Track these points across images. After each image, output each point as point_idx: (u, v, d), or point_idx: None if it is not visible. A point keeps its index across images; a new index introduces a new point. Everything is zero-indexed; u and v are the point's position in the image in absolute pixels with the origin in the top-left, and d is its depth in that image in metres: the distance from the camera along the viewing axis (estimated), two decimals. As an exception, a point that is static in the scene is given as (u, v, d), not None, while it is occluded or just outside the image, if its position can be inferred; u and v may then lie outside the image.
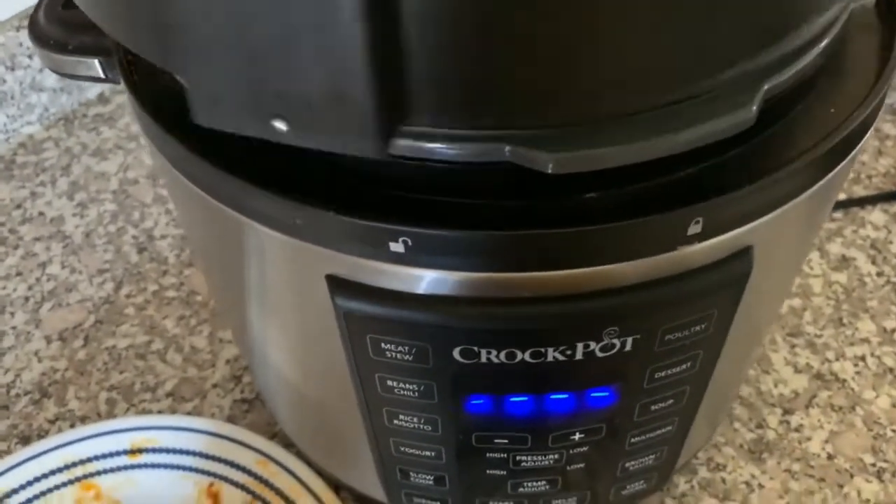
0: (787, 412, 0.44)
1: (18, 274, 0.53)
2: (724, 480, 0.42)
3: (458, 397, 0.26)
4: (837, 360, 0.47)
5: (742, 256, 0.23)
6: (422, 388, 0.26)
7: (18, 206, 0.57)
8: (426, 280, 0.23)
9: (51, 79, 0.61)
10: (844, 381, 0.46)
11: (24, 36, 0.58)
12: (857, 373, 0.46)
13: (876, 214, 0.54)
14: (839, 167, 0.24)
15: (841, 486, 0.41)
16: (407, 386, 0.26)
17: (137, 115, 0.26)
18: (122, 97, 0.66)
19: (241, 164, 0.23)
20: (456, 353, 0.24)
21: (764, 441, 0.43)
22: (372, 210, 0.21)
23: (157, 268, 0.53)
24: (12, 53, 0.58)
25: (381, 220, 0.21)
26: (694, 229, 0.22)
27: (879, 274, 0.51)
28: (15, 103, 0.60)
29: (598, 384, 0.26)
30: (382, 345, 0.24)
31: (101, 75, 0.29)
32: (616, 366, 0.25)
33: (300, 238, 0.23)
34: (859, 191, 0.56)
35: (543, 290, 0.22)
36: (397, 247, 0.22)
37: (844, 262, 0.52)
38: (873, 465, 0.42)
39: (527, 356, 0.24)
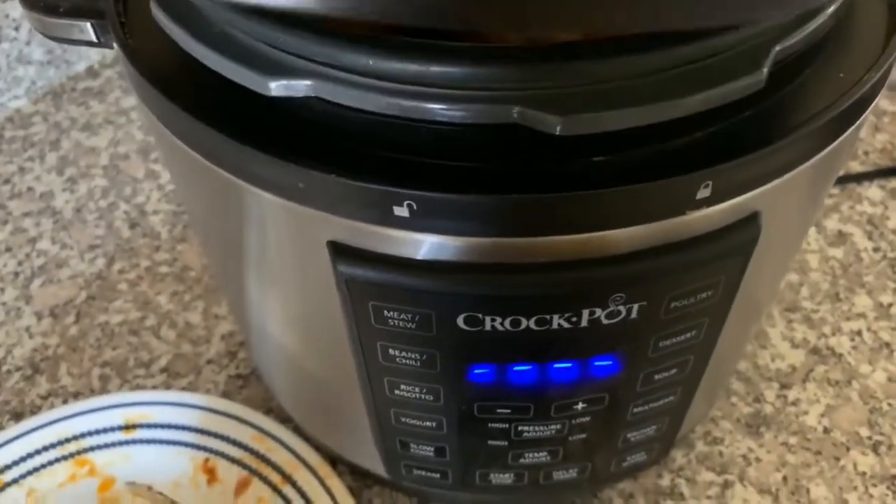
0: (783, 386, 0.45)
1: (8, 249, 0.52)
2: (721, 454, 0.42)
3: (461, 366, 0.25)
4: (834, 334, 0.47)
5: (750, 222, 0.23)
6: (424, 356, 0.25)
7: (7, 182, 0.56)
8: (430, 245, 0.22)
9: (38, 52, 0.60)
10: (841, 355, 0.46)
11: (10, 7, 0.57)
12: (854, 347, 0.46)
13: (873, 190, 0.54)
14: (848, 132, 0.24)
15: (837, 459, 0.42)
16: (409, 355, 0.25)
17: (133, 78, 0.25)
18: (111, 71, 0.65)
19: (241, 127, 0.23)
20: (460, 321, 0.24)
21: (761, 415, 0.43)
22: (376, 173, 0.21)
23: (150, 243, 0.52)
24: (-2, 25, 0.57)
25: (386, 184, 0.21)
26: (703, 193, 0.21)
27: (876, 249, 0.51)
28: (1, 77, 0.58)
29: (603, 352, 0.25)
30: (385, 312, 0.24)
31: (94, 39, 0.28)
32: (621, 334, 0.24)
33: (301, 203, 0.22)
34: (856, 167, 0.56)
35: (550, 255, 0.22)
36: (402, 211, 0.21)
37: (841, 237, 0.52)
38: (869, 438, 0.42)
39: (532, 323, 0.23)
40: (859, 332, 0.47)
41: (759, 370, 0.45)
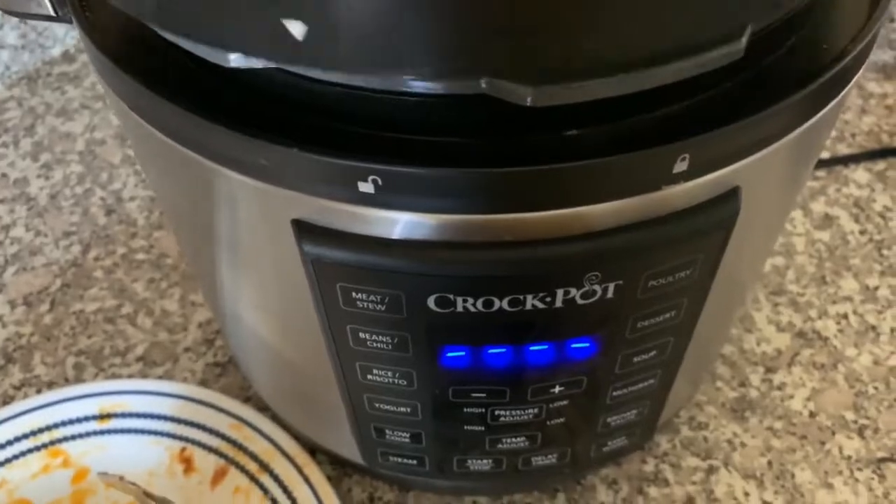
0: (769, 370, 0.44)
1: (-20, 237, 0.51)
2: (706, 439, 0.41)
3: (434, 349, 0.25)
4: (820, 318, 0.46)
5: (729, 198, 0.22)
6: (395, 340, 0.24)
7: (-20, 168, 0.55)
8: (398, 223, 0.21)
9: (12, 35, 0.59)
10: (827, 338, 0.45)
11: (-19, -11, 0.55)
12: (840, 331, 0.46)
13: (859, 173, 0.54)
14: (831, 105, 0.23)
15: (823, 444, 0.41)
16: (380, 338, 0.25)
17: (91, 54, 0.24)
18: (86, 56, 0.63)
19: (201, 101, 0.22)
20: (431, 302, 0.23)
21: (746, 399, 0.43)
22: (340, 148, 0.20)
23: (126, 230, 0.51)
24: (-31, 8, 0.55)
25: (350, 158, 0.20)
26: (680, 167, 0.21)
27: (862, 232, 0.50)
28: (-26, 61, 0.57)
29: (579, 334, 0.25)
30: (353, 294, 0.23)
31: (51, 12, 0.27)
32: (597, 314, 0.24)
33: (265, 180, 0.22)
34: (843, 149, 0.55)
35: (522, 233, 0.21)
36: (367, 186, 0.20)
37: (828, 220, 0.51)
38: (854, 422, 0.42)
39: (505, 304, 0.23)
40: (845, 316, 0.46)
41: (744, 354, 0.45)
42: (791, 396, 0.43)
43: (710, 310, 0.27)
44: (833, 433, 0.41)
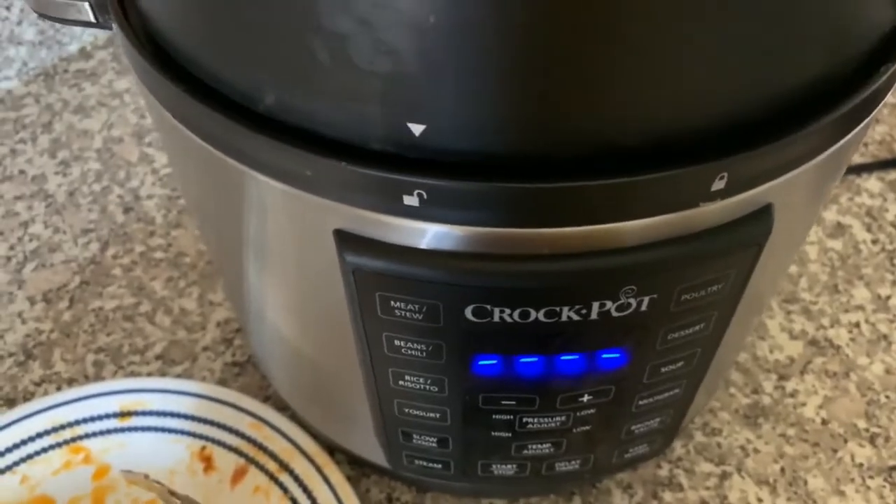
0: (782, 378, 0.45)
1: (-1, 233, 0.51)
2: (719, 445, 0.42)
3: (468, 357, 0.25)
4: (832, 326, 0.47)
5: (763, 215, 0.23)
6: (430, 347, 0.25)
7: (-2, 164, 0.55)
8: (439, 235, 0.22)
9: (30, 32, 0.59)
10: (839, 347, 0.46)
11: (1, -14, 0.56)
12: (852, 339, 0.46)
13: (871, 182, 0.54)
14: (863, 124, 0.24)
15: (835, 451, 0.42)
16: (415, 346, 0.25)
17: (134, 61, 0.24)
18: (104, 52, 0.63)
19: (249, 113, 0.22)
20: (468, 312, 0.23)
21: (759, 406, 0.43)
22: (386, 162, 0.21)
23: (144, 228, 0.51)
24: (-11, 4, 0.56)
25: (396, 172, 0.20)
26: (718, 185, 0.21)
27: (874, 241, 0.51)
28: (-8, 56, 0.57)
29: (611, 345, 0.25)
30: (391, 303, 0.24)
31: (92, 19, 0.27)
32: (630, 326, 0.24)
33: (309, 191, 0.22)
34: (855, 158, 0.56)
35: (561, 246, 0.22)
36: (411, 200, 0.21)
37: (840, 229, 0.52)
38: (867, 430, 0.42)
39: (541, 315, 0.23)
40: (857, 325, 0.47)
41: (757, 361, 0.45)
42: (804, 404, 0.43)
43: (734, 321, 0.27)
44: (845, 441, 0.42)
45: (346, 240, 0.23)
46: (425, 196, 0.21)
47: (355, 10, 0.18)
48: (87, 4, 0.27)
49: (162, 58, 0.24)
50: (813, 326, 0.47)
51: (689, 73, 0.19)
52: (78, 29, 0.62)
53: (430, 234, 0.22)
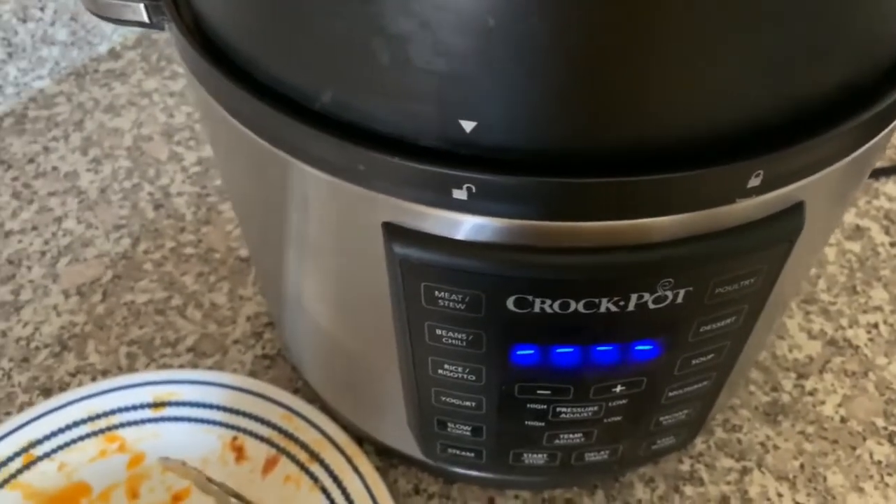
0: (801, 376, 0.45)
1: (34, 228, 0.52)
2: (740, 441, 0.43)
3: (507, 347, 0.26)
4: (851, 326, 0.48)
5: (795, 212, 0.24)
6: (471, 337, 0.26)
7: (31, 161, 0.56)
8: (485, 228, 0.23)
9: (62, 32, 0.60)
10: (857, 347, 0.47)
11: (36, -13, 0.57)
12: (870, 339, 0.47)
13: (890, 186, 0.55)
14: (887, 129, 0.24)
15: (853, 448, 0.42)
16: (456, 335, 0.26)
17: (191, 60, 0.26)
18: (133, 53, 0.65)
19: (299, 107, 0.23)
20: (510, 303, 0.24)
21: (779, 404, 0.44)
22: (437, 157, 0.21)
23: (175, 224, 0.52)
24: (24, 5, 0.57)
25: (447, 167, 0.21)
26: (754, 182, 0.22)
27: (893, 244, 0.52)
28: (26, 56, 0.59)
29: (646, 337, 0.26)
30: (436, 293, 0.25)
31: (146, 20, 0.28)
32: (665, 318, 0.25)
33: (360, 184, 0.23)
34: (873, 162, 0.57)
35: (602, 239, 0.23)
36: (460, 193, 0.22)
37: (858, 231, 0.53)
38: (885, 428, 0.43)
39: (580, 307, 0.24)
40: (876, 325, 0.48)
41: (776, 360, 0.46)
42: (822, 402, 0.44)
43: (762, 317, 0.28)
44: (864, 439, 0.43)
45: (395, 232, 0.24)
46: (474, 190, 0.21)
47: (417, 12, 0.19)
48: (141, 6, 0.28)
49: (215, 55, 0.25)
50: (832, 327, 0.48)
51: (728, 78, 0.20)
52: (108, 29, 0.63)
53: (476, 227, 0.23)
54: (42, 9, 0.58)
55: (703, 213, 0.23)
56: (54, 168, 0.56)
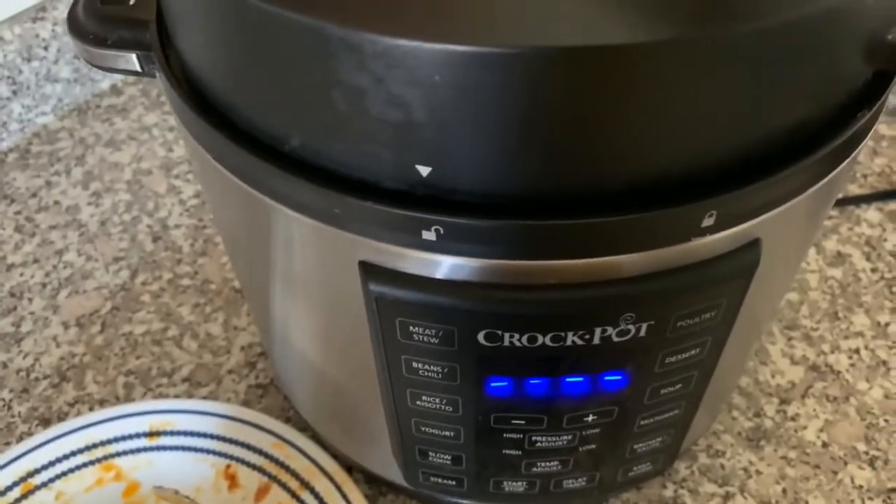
0: (783, 402, 0.46)
1: (35, 261, 0.54)
2: (723, 466, 0.44)
3: (480, 379, 0.27)
4: (832, 352, 0.48)
5: (751, 248, 0.25)
6: (446, 369, 0.27)
7: (34, 195, 0.58)
8: (454, 266, 0.24)
9: (65, 70, 0.62)
10: (839, 372, 0.47)
11: (40, 27, 0.59)
12: (852, 365, 0.48)
13: (871, 213, 0.56)
14: (847, 160, 0.26)
15: (835, 473, 0.43)
16: (432, 368, 0.27)
17: (179, 109, 0.27)
18: (133, 89, 0.67)
19: (279, 154, 0.24)
20: (480, 337, 0.25)
21: (761, 429, 0.45)
22: (406, 201, 0.23)
23: (172, 256, 0.54)
24: (29, 45, 0.59)
25: (416, 211, 0.23)
26: (707, 222, 0.23)
27: (874, 270, 0.53)
28: (30, 94, 0.61)
29: (613, 368, 0.27)
30: (410, 328, 0.26)
31: (138, 69, 0.30)
32: (630, 350, 0.26)
33: (337, 226, 0.24)
34: (855, 189, 0.58)
35: (566, 277, 0.24)
36: (429, 235, 0.23)
37: (840, 258, 0.54)
38: (866, 453, 0.44)
39: (547, 340, 0.25)
40: (857, 351, 0.48)
41: (759, 386, 0.47)
42: (804, 427, 0.45)
43: (730, 346, 0.29)
44: (845, 463, 0.43)
45: (370, 271, 0.25)
46: (442, 231, 0.23)
47: (369, 68, 0.20)
48: (134, 56, 0.29)
49: (200, 101, 0.27)
50: (814, 352, 0.48)
51: (679, 127, 0.21)
52: (110, 67, 0.65)
53: (446, 266, 0.24)
54: (46, 48, 0.60)
55: (662, 250, 0.24)
56: (56, 202, 0.58)
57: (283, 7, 0.21)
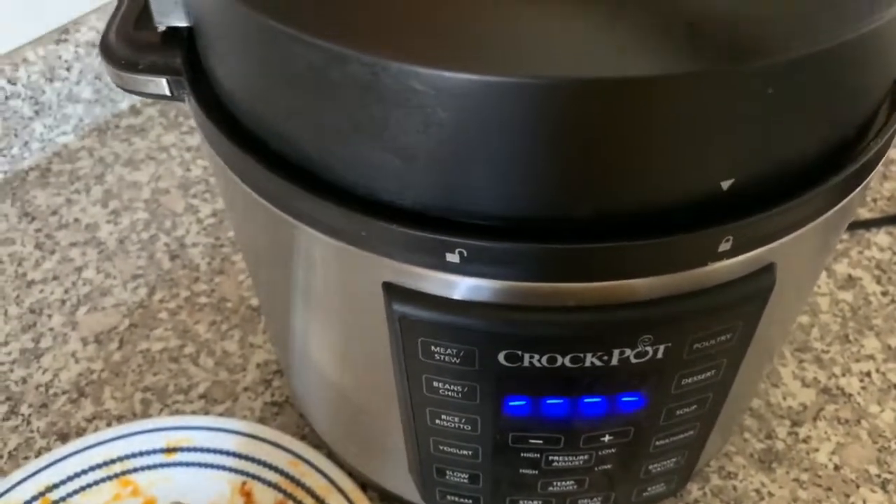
0: (795, 424, 0.46)
1: (55, 278, 0.55)
2: (735, 488, 0.44)
3: (499, 398, 0.28)
4: (844, 375, 0.49)
5: (766, 272, 0.25)
6: (465, 389, 0.28)
7: (54, 213, 0.59)
8: (476, 288, 0.25)
9: (87, 90, 0.63)
10: (850, 395, 0.48)
11: (63, 49, 0.60)
12: (863, 388, 0.48)
13: (881, 236, 0.57)
14: (861, 185, 0.26)
15: (847, 496, 0.43)
16: (452, 387, 0.28)
17: (208, 133, 0.28)
18: (152, 109, 0.68)
19: (307, 177, 0.25)
20: (501, 357, 0.26)
21: (773, 451, 0.45)
22: (431, 223, 0.23)
23: (189, 274, 0.55)
24: (52, 66, 0.60)
25: (441, 234, 0.23)
26: (724, 247, 0.24)
27: (884, 293, 0.53)
28: (52, 114, 0.62)
29: (630, 389, 0.27)
30: (432, 348, 0.26)
31: (168, 94, 0.31)
32: (647, 372, 0.27)
33: (362, 248, 0.25)
34: (865, 213, 0.58)
35: (585, 299, 0.24)
36: (453, 257, 0.24)
37: (851, 281, 0.54)
38: (878, 476, 0.44)
39: (567, 361, 0.26)
40: (868, 374, 0.49)
41: (771, 408, 0.47)
42: (816, 449, 0.45)
43: (744, 367, 0.30)
44: (857, 486, 0.44)
45: (394, 291, 0.25)
46: (465, 254, 0.23)
47: (401, 96, 0.21)
48: (164, 81, 0.30)
49: (228, 122, 0.28)
50: (825, 375, 0.49)
51: (701, 153, 0.22)
52: (129, 87, 0.66)
53: (468, 287, 0.25)
54: (68, 69, 0.61)
55: (679, 274, 0.24)
56: (76, 220, 0.59)
57: (318, 35, 0.21)
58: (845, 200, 0.27)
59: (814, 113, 0.23)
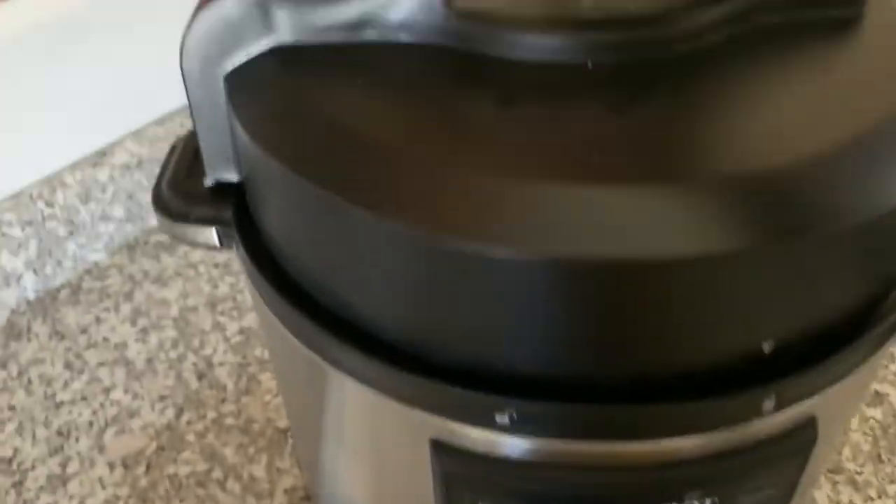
0: (834, 551, 0.45)
1: (83, 399, 0.55)
2: None
3: (547, 553, 0.28)
4: (880, 497, 0.48)
5: (807, 427, 0.26)
6: (509, 543, 0.27)
7: (84, 332, 0.60)
8: (524, 447, 0.25)
9: (119, 210, 0.65)
10: (888, 519, 0.47)
11: (99, 172, 0.63)
12: (900, 511, 0.47)
13: (905, 351, 0.57)
14: (887, 343, 0.27)
15: None
16: (495, 540, 0.28)
17: (259, 286, 0.29)
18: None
19: (355, 332, 0.26)
20: (550, 514, 0.26)
21: (814, 581, 0.44)
22: (482, 385, 0.24)
23: (216, 395, 0.55)
24: (88, 188, 0.62)
25: (492, 394, 0.24)
26: (768, 405, 0.24)
27: (913, 410, 0.53)
28: (85, 233, 0.64)
29: (678, 542, 0.27)
30: (478, 503, 0.26)
31: (217, 244, 0.32)
32: (694, 526, 0.27)
33: (410, 405, 0.26)
34: (887, 327, 0.59)
35: (633, 458, 0.25)
36: (503, 418, 0.24)
37: (878, 397, 0.54)
38: None
39: (614, 518, 0.26)
40: (904, 496, 0.48)
41: (808, 534, 0.46)
42: (858, 579, 0.44)
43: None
44: None
45: (442, 449, 0.26)
46: (515, 416, 0.24)
47: (446, 271, 0.22)
48: (213, 231, 0.32)
49: (276, 272, 0.29)
50: (860, 498, 0.48)
51: (746, 322, 0.23)
52: (160, 205, 0.68)
53: (516, 446, 0.25)
54: (103, 190, 0.63)
55: (723, 430, 0.25)
56: (105, 339, 0.59)
57: (378, 212, 0.22)
58: (886, 344, 0.27)
59: (859, 274, 0.24)
